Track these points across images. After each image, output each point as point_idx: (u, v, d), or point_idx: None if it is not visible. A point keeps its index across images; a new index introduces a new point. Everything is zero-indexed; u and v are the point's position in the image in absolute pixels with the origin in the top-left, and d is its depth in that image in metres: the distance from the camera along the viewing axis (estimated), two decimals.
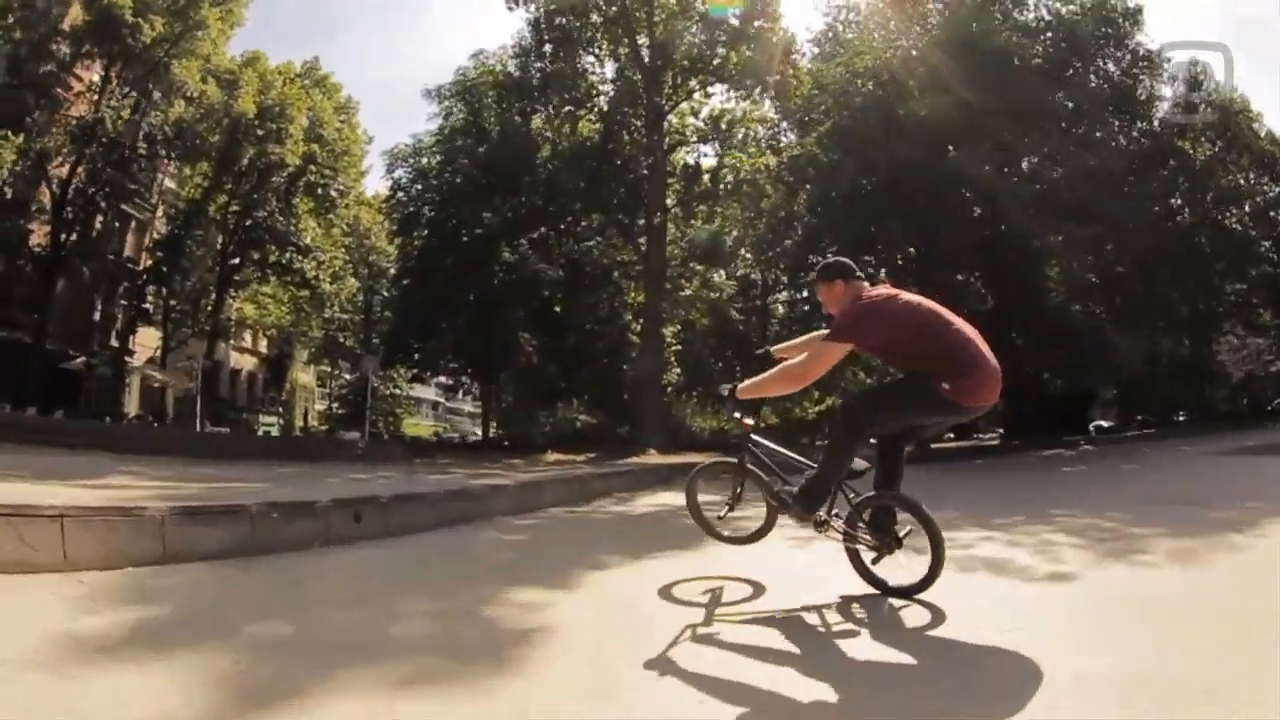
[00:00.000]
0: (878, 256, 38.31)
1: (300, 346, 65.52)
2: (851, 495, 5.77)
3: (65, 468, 11.29)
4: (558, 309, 43.40)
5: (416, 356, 46.75)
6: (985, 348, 5.44)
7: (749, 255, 48.09)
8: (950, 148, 34.94)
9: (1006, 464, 25.80)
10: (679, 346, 46.22)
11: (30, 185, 39.23)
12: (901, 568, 5.57)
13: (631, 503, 13.67)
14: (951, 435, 39.84)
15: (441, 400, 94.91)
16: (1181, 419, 47.56)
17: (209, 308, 49.82)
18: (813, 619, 5.22)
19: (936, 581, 5.41)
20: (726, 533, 6.56)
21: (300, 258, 49.74)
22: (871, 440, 5.94)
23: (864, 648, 4.61)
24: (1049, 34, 37.29)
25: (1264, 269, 44.56)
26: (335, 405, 71.09)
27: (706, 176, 45.18)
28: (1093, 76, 37.91)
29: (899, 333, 5.46)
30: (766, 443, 6.29)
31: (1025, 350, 35.70)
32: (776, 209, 42.46)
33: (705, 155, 46.56)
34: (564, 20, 43.05)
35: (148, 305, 48.05)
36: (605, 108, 43.99)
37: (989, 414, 42.59)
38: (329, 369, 70.28)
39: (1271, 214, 44.46)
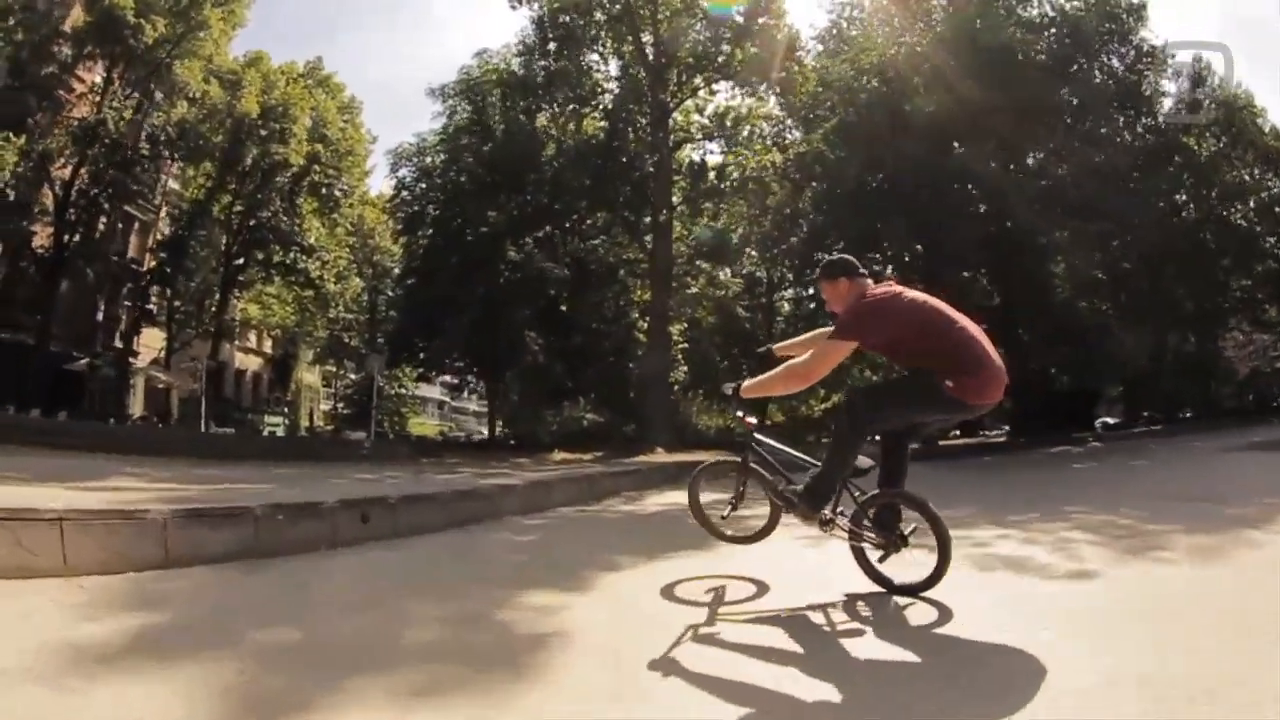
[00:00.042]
0: (883, 254, 38.31)
1: (305, 347, 65.35)
2: (857, 494, 5.73)
3: (67, 470, 11.18)
4: (563, 308, 43.23)
5: (422, 356, 46.44)
6: (990, 346, 5.43)
7: (754, 253, 48.10)
8: (955, 144, 34.93)
9: (1015, 461, 25.60)
10: (685, 345, 46.17)
11: (33, 187, 39.10)
12: (907, 566, 5.56)
13: (641, 502, 13.59)
14: (957, 432, 39.99)
15: (447, 400, 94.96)
16: (1187, 416, 47.13)
17: (213, 308, 49.61)
18: (819, 618, 5.16)
19: (943, 579, 5.38)
20: (730, 532, 6.52)
21: (304, 258, 49.53)
22: (874, 438, 5.83)
23: (889, 646, 4.56)
24: (1053, 30, 37.14)
25: (1269, 264, 44.39)
26: (340, 405, 70.90)
27: (712, 174, 45.24)
28: (1097, 72, 37.91)
29: (903, 330, 5.44)
30: (769, 441, 6.27)
31: (1031, 347, 35.80)
32: (781, 206, 42.54)
33: (711, 152, 46.60)
34: (568, 18, 42.96)
35: (152, 306, 48.11)
36: (610, 105, 43.94)
37: (995, 411, 42.62)
38: (334, 369, 70.27)
39: (1277, 209, 44.21)
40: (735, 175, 44.54)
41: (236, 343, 60.18)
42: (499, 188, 42.71)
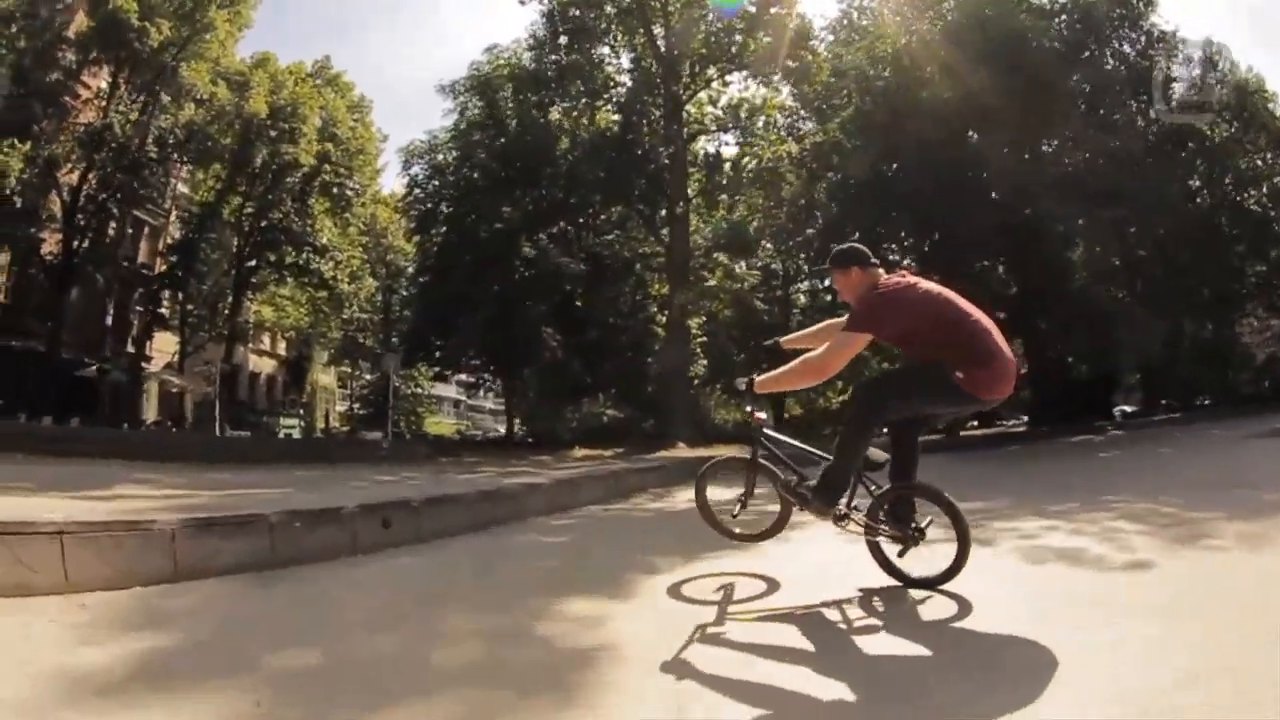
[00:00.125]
0: (900, 244, 38.40)
1: (320, 348, 65.46)
2: (873, 488, 5.66)
3: (75, 478, 10.85)
4: (579, 303, 43.07)
5: (438, 354, 46.35)
6: (1001, 339, 5.39)
7: (769, 245, 47.93)
8: (970, 134, 34.82)
9: (1039, 451, 25.30)
10: (704, 338, 45.90)
11: (40, 193, 39.03)
12: (924, 559, 5.49)
13: (669, 498, 13.34)
14: (975, 423, 39.80)
15: (463, 398, 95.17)
16: (1205, 403, 47.13)
17: (226, 311, 49.62)
18: (881, 617, 5.08)
19: (962, 571, 5.30)
20: (739, 530, 6.43)
21: (317, 258, 49.42)
22: (883, 430, 5.78)
23: (914, 642, 4.46)
24: (1064, 16, 36.94)
25: None
26: (356, 406, 70.86)
27: (728, 165, 45.15)
28: (1109, 58, 37.77)
29: (917, 322, 5.39)
30: (779, 436, 6.30)
31: (1049, 335, 35.98)
32: (796, 198, 42.46)
33: (726, 144, 46.50)
34: (578, 12, 42.78)
35: (164, 311, 48.09)
36: (623, 98, 43.77)
37: (1012, 401, 42.44)
38: (349, 370, 70.33)
39: None
40: (751, 166, 44.53)
41: (250, 345, 60.17)
42: (513, 183, 42.54)
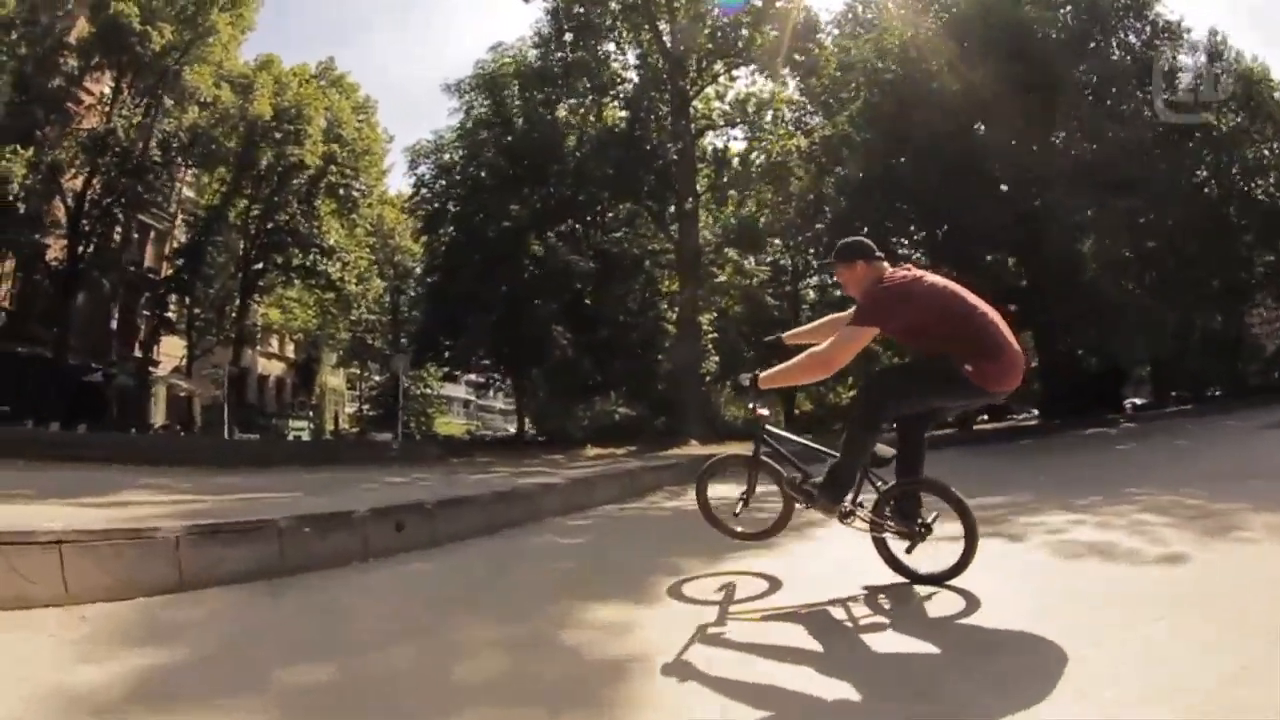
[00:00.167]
0: (911, 238, 38.65)
1: (328, 350, 65.70)
2: (879, 483, 5.59)
3: (78, 484, 10.80)
4: (589, 301, 43.10)
5: (447, 354, 46.53)
6: (1009, 332, 5.36)
7: (777, 241, 48.22)
8: (978, 126, 34.81)
9: (1053, 444, 25.22)
10: (715, 335, 45.81)
11: (43, 199, 39.12)
12: (930, 555, 5.45)
13: (685, 497, 13.07)
14: (985, 416, 39.73)
15: (472, 398, 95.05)
16: (1216, 394, 47.00)
17: (233, 314, 49.60)
18: (925, 620, 4.87)
19: (969, 567, 5.26)
20: (741, 529, 6.36)
21: (324, 260, 49.48)
22: (891, 425, 5.75)
23: (939, 639, 4.39)
24: (1069, 6, 36.76)
25: None
26: (366, 407, 71.04)
27: (736, 160, 45.20)
28: (1115, 48, 37.76)
29: (924, 315, 5.34)
30: (781, 432, 6.23)
31: (1060, 328, 36.05)
32: (805, 193, 42.58)
33: (735, 139, 46.57)
34: (582, 9, 42.84)
35: (170, 315, 48.29)
36: (630, 94, 43.85)
37: (1023, 394, 42.59)
38: (358, 371, 70.53)
39: None
40: (760, 161, 44.65)
41: (258, 348, 60.40)
42: (521, 181, 42.58)
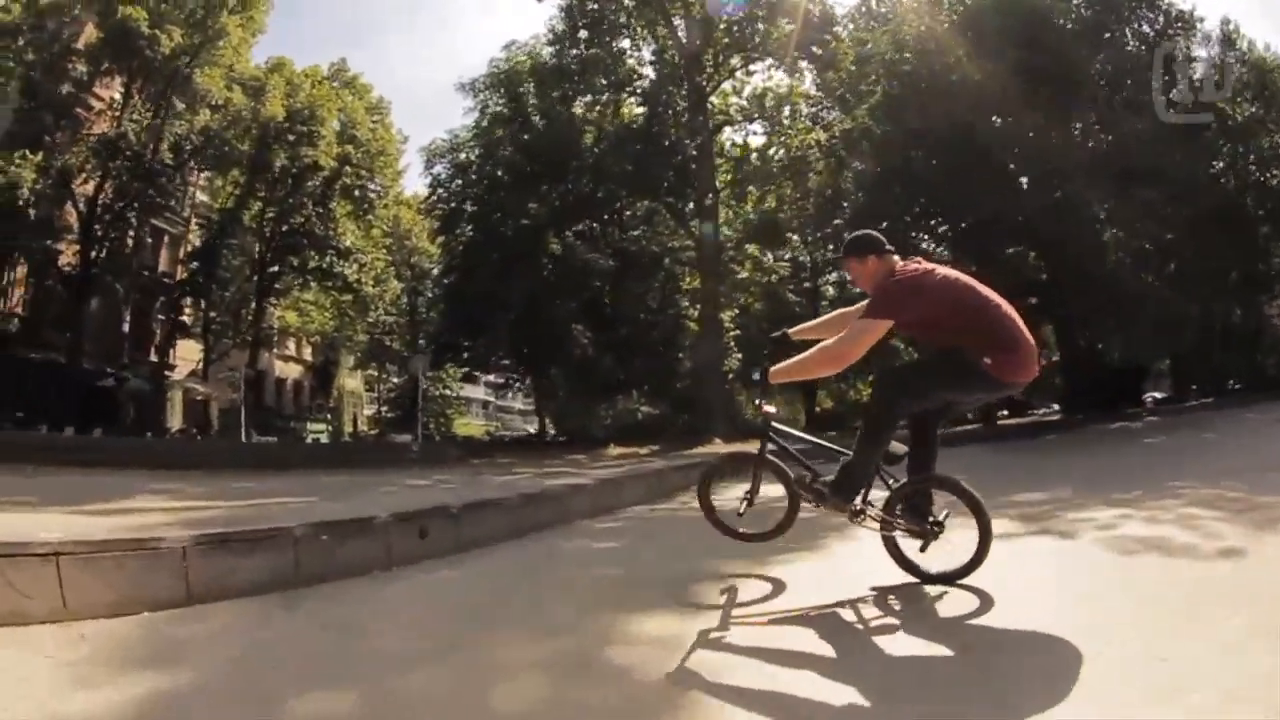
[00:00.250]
0: (933, 232, 38.53)
1: (346, 352, 65.98)
2: (891, 481, 5.50)
3: (87, 489, 10.62)
4: (608, 299, 43.18)
5: (466, 355, 46.79)
6: (1022, 324, 5.32)
7: (795, 237, 48.35)
8: (995, 118, 34.63)
9: (1079, 439, 25.13)
10: (737, 332, 45.72)
11: (54, 204, 39.22)
12: (942, 553, 5.35)
13: (715, 497, 12.69)
14: (1005, 411, 40.05)
15: (491, 399, 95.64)
16: (1236, 387, 47.09)
17: (250, 317, 49.79)
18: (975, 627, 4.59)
19: (982, 565, 5.18)
20: (745, 530, 6.18)
21: (341, 261, 49.69)
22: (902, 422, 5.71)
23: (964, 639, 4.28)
24: None
25: None
26: (384, 409, 71.42)
27: (754, 155, 45.41)
28: (1130, 38, 37.55)
29: (936, 308, 5.28)
30: (789, 429, 6.09)
31: (1080, 322, 36.44)
32: (823, 188, 42.76)
33: (755, 133, 46.84)
34: (595, 5, 43.01)
35: (186, 318, 48.41)
36: (647, 90, 43.97)
37: (1045, 389, 42.24)
38: (376, 373, 70.79)
39: None
40: (779, 155, 44.88)
41: (275, 351, 60.73)
42: (538, 178, 42.66)
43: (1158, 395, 49.53)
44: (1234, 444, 17.24)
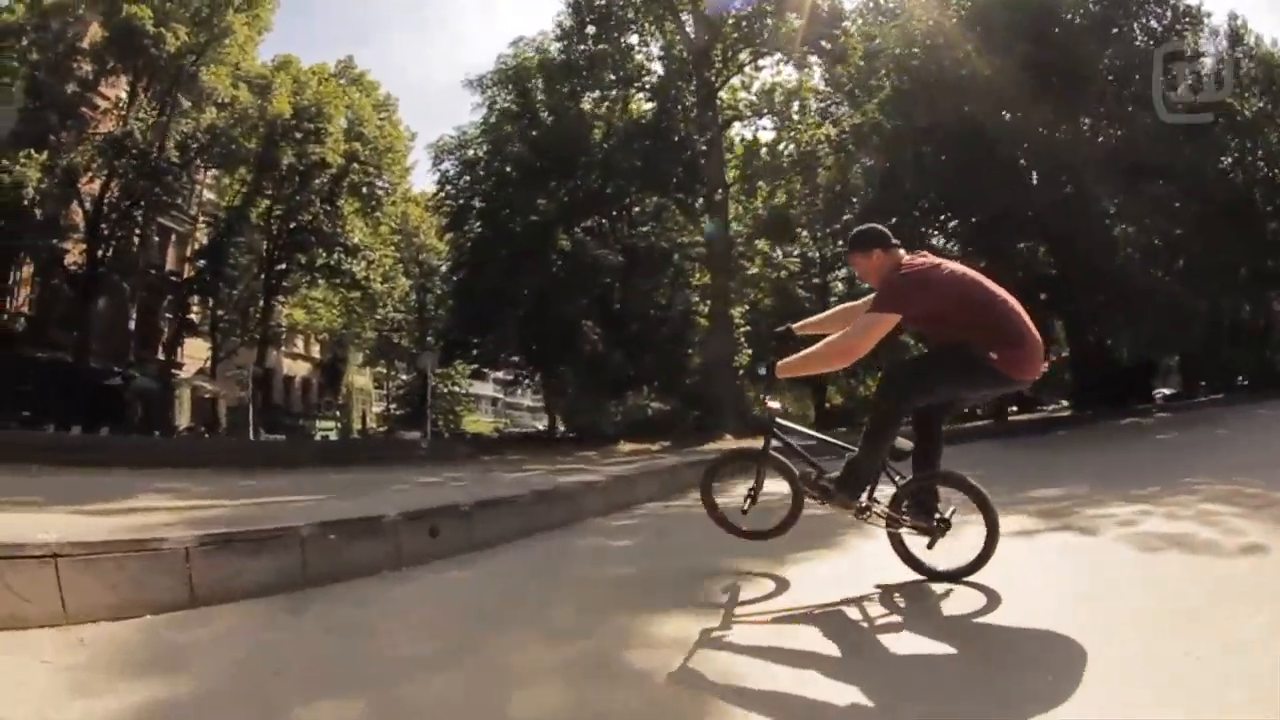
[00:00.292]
0: (944, 227, 38.80)
1: (354, 349, 66.22)
2: (897, 478, 5.46)
3: (90, 489, 10.61)
4: (618, 295, 43.13)
5: (475, 352, 46.74)
6: (1029, 320, 5.29)
7: (804, 232, 48.48)
8: (1005, 113, 34.51)
9: (1091, 435, 25.24)
10: (747, 328, 45.68)
11: (60, 204, 39.34)
12: (949, 550, 5.31)
13: (730, 493, 12.58)
14: (1015, 408, 39.45)
15: (500, 396, 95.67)
16: (1244, 384, 47.12)
17: (258, 315, 49.82)
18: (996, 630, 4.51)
19: (989, 562, 5.14)
20: (748, 527, 6.07)
21: (349, 258, 49.77)
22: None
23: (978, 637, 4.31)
24: None
25: None
26: (393, 406, 71.72)
27: (764, 150, 45.75)
28: (1138, 33, 37.49)
29: (943, 302, 5.26)
30: (793, 425, 6.15)
31: (1089, 317, 36.45)
32: (832, 183, 43.01)
33: (765, 128, 47.08)
34: (603, 2, 43.07)
35: (193, 316, 48.54)
36: (656, 85, 44.09)
37: (1053, 385, 42.16)
38: (385, 370, 71.04)
39: None
40: (789, 150, 45.18)
41: (283, 349, 60.84)
42: (547, 174, 42.58)
43: (1167, 391, 49.75)
44: (1246, 440, 17.30)
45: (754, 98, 45.25)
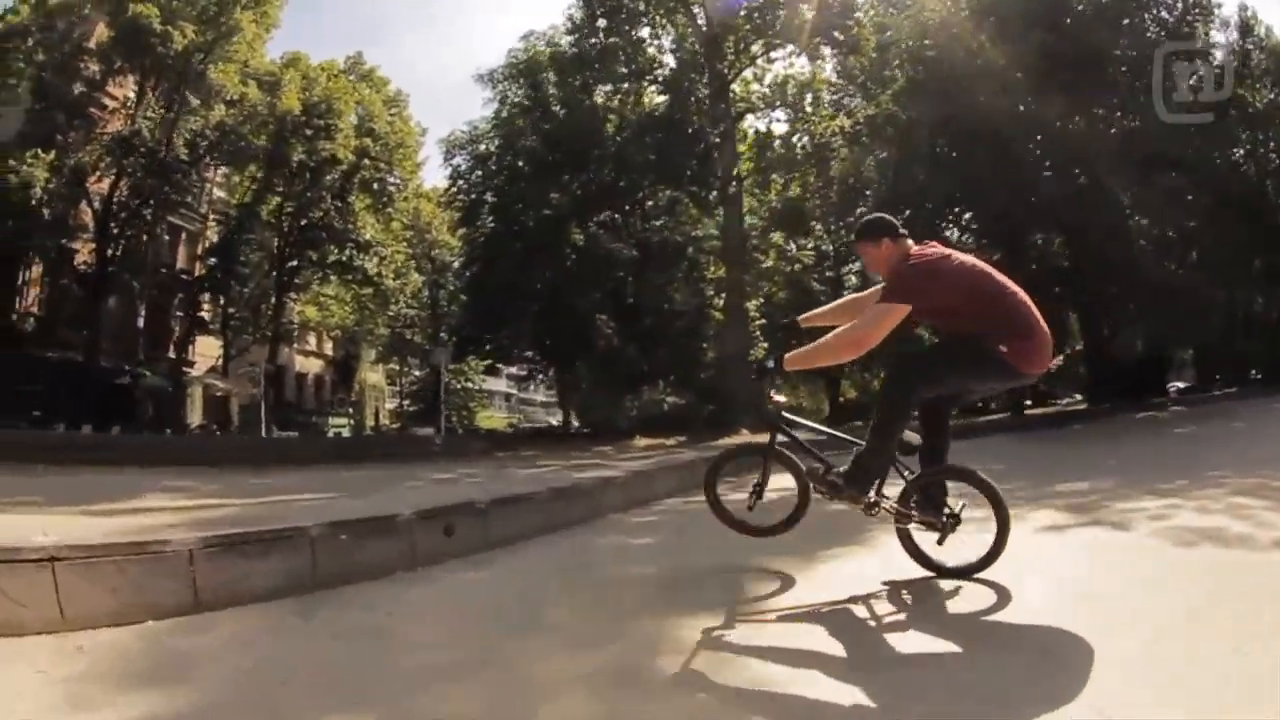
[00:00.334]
0: (959, 219, 38.79)
1: (367, 346, 66.26)
2: (906, 472, 5.42)
3: (96, 488, 10.43)
4: (631, 290, 43.03)
5: (489, 347, 46.58)
6: (1038, 312, 5.23)
7: (818, 225, 48.57)
8: (1019, 105, 34.31)
9: (1107, 429, 25.17)
10: (763, 321, 45.49)
11: (69, 203, 39.35)
12: (959, 546, 5.25)
13: (738, 488, 12.47)
14: (1029, 401, 39.70)
15: (514, 391, 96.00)
16: (1257, 377, 46.72)
17: (269, 312, 49.88)
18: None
19: (999, 558, 5.09)
20: (754, 523, 5.93)
21: (361, 255, 49.93)
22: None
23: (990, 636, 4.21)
24: None
25: None
26: (406, 402, 71.89)
27: (777, 142, 45.64)
28: (1150, 24, 37.45)
29: (952, 293, 5.20)
30: (800, 420, 5.97)
31: (1103, 310, 36.71)
32: (846, 176, 43.09)
33: (778, 120, 46.98)
34: None
35: (205, 315, 48.62)
36: (668, 78, 44.00)
37: (1067, 379, 41.93)
38: (398, 367, 71.11)
39: None
40: (803, 142, 45.16)
41: (296, 346, 61.15)
42: (560, 167, 42.59)
43: (1180, 385, 50.21)
44: (1263, 433, 17.34)
45: (767, 90, 45.17)
